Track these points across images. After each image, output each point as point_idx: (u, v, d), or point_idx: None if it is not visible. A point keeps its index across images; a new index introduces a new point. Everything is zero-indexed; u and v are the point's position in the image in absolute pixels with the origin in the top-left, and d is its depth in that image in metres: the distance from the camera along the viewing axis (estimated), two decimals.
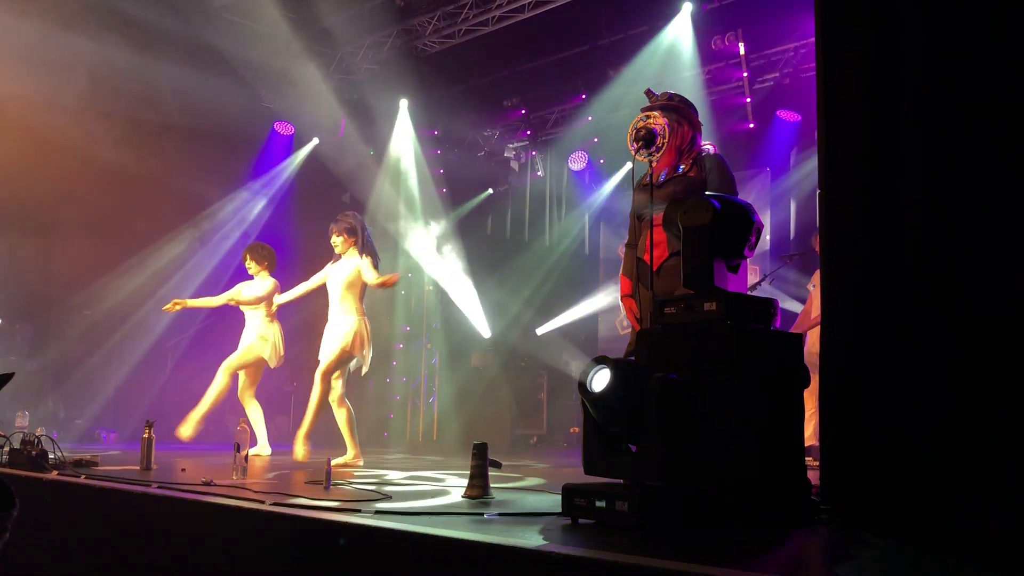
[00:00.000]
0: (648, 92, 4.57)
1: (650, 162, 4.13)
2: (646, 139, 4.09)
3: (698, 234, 3.40)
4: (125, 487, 4.29)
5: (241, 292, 7.24)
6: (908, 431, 3.09)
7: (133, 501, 4.13)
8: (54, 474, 4.83)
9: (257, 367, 7.20)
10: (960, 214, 3.06)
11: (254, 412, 7.19)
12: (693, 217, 3.43)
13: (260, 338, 7.12)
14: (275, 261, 7.31)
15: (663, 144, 4.15)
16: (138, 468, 5.33)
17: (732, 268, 3.53)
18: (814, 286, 7.49)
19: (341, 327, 6.41)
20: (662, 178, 4.38)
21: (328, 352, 6.39)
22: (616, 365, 3.21)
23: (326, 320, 6.58)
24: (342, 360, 6.40)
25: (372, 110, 10.72)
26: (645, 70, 9.21)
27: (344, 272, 6.48)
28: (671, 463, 3.08)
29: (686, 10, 8.59)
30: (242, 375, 7.18)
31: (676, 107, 4.39)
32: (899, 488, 3.10)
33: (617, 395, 3.16)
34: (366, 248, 6.51)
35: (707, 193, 3.72)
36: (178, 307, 7.12)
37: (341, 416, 6.48)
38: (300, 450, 6.37)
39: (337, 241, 6.54)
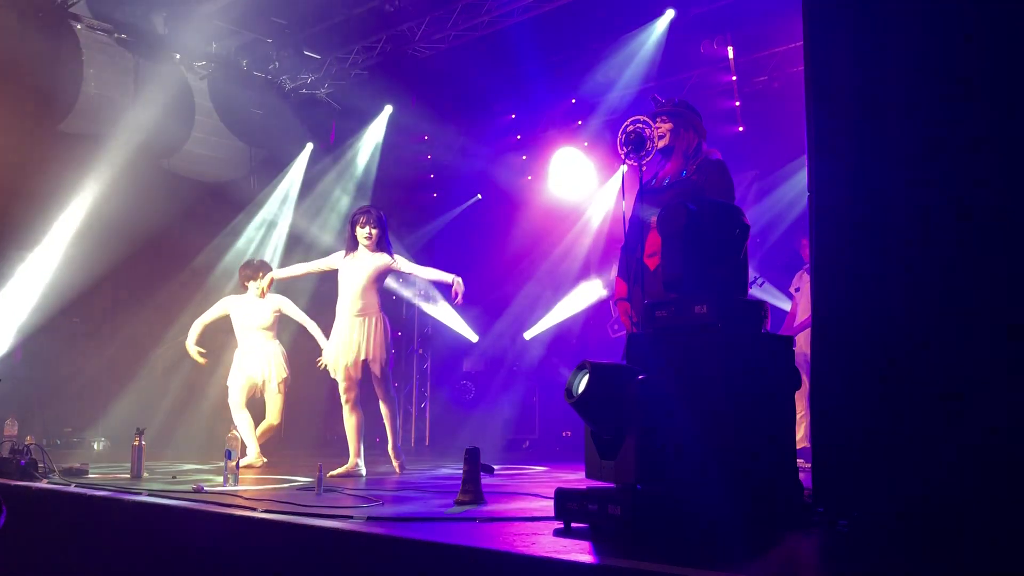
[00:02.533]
0: (654, 98, 4.60)
1: (640, 166, 4.14)
2: (635, 143, 4.10)
3: (673, 239, 3.42)
4: (116, 495, 4.27)
5: (252, 311, 7.07)
6: (900, 431, 3.10)
7: (124, 509, 4.11)
8: (44, 483, 4.80)
9: (268, 391, 7.04)
10: (951, 212, 3.07)
11: (247, 419, 6.98)
12: (669, 223, 3.45)
13: (271, 360, 7.00)
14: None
15: (652, 148, 4.16)
16: (129, 476, 5.31)
17: (726, 271, 3.54)
18: (798, 289, 7.53)
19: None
20: (666, 183, 4.40)
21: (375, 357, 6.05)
22: (595, 369, 3.22)
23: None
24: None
25: (363, 115, 10.72)
26: (635, 74, 9.24)
27: (370, 266, 6.11)
28: (645, 465, 3.08)
29: (668, 16, 8.59)
30: (244, 390, 6.97)
31: (682, 113, 4.43)
32: (892, 489, 3.10)
33: (596, 399, 3.18)
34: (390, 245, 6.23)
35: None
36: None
37: (352, 420, 6.13)
38: (395, 463, 6.16)
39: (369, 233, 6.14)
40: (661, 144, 4.43)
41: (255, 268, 7.09)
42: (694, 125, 4.42)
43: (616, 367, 3.36)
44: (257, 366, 6.97)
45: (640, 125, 4.16)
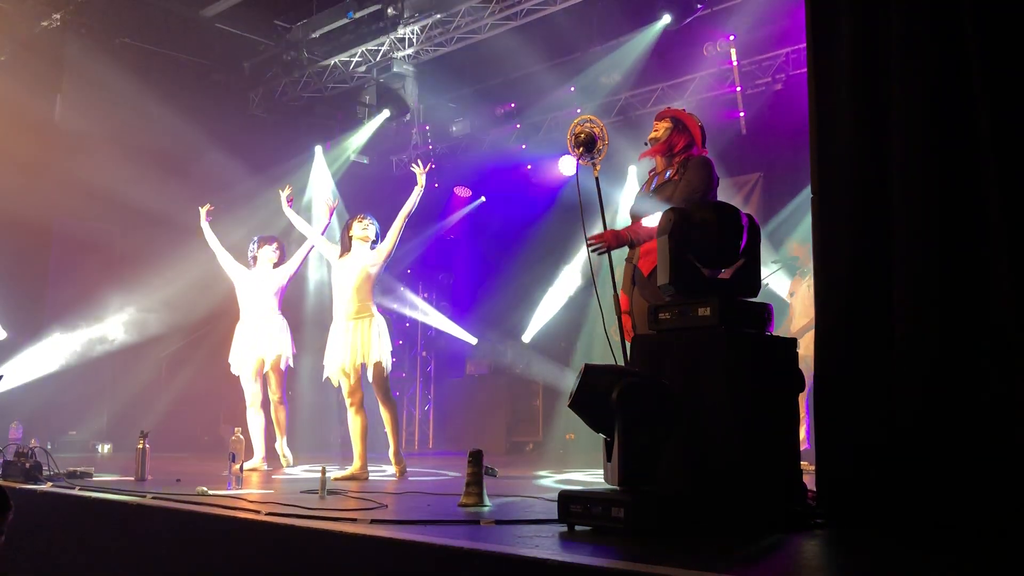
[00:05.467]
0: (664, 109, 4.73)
1: (593, 165, 4.20)
2: (586, 144, 4.17)
3: (662, 243, 3.43)
4: (120, 498, 4.28)
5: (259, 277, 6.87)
6: (904, 433, 3.09)
7: (128, 512, 4.12)
8: (48, 486, 4.81)
9: (273, 367, 6.78)
10: (956, 214, 3.07)
11: (260, 421, 6.83)
12: (660, 227, 3.46)
13: (280, 336, 6.78)
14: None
15: (604, 148, 4.22)
16: (133, 479, 5.32)
17: (728, 272, 3.53)
18: (792, 294, 7.53)
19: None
20: (653, 186, 4.47)
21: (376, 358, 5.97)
22: (586, 371, 3.24)
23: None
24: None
25: (365, 118, 10.74)
26: (637, 76, 9.24)
27: (361, 264, 6.06)
28: (629, 467, 3.08)
29: (665, 19, 8.56)
30: (255, 373, 6.76)
31: (680, 117, 4.50)
32: (895, 490, 3.10)
33: (587, 401, 3.19)
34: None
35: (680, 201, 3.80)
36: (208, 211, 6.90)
37: (357, 423, 6.05)
38: (396, 468, 6.11)
39: (365, 225, 6.14)
40: (650, 138, 4.51)
41: (270, 241, 6.98)
42: (689, 128, 4.49)
43: (607, 369, 3.36)
44: (264, 342, 6.73)
45: (589, 125, 4.21)
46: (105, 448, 8.80)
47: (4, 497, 3.29)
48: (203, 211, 6.99)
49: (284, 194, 6.69)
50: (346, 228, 6.22)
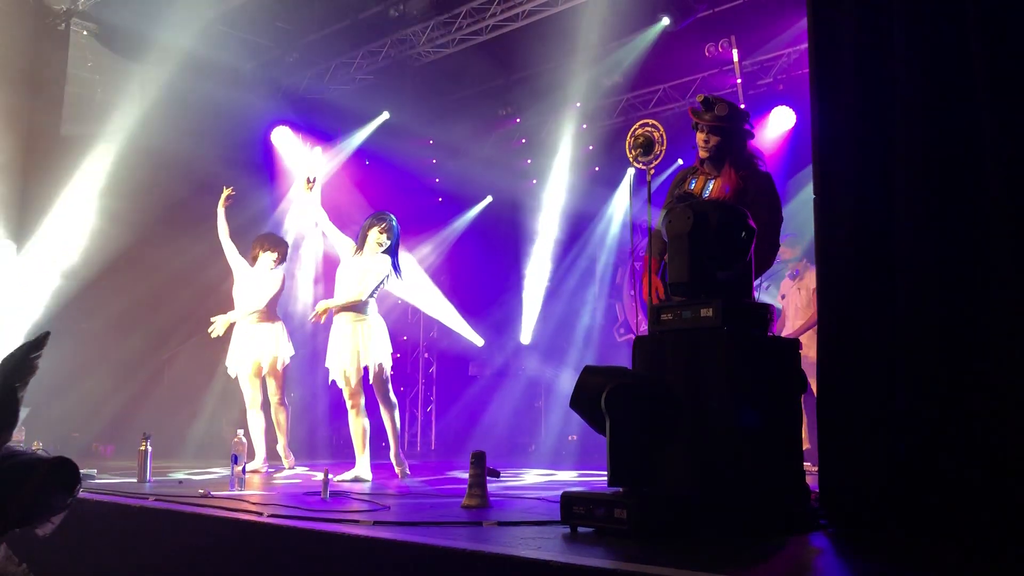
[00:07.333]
0: (704, 98, 4.23)
1: (648, 170, 4.12)
2: (644, 147, 4.09)
3: (679, 242, 3.41)
4: (122, 500, 4.28)
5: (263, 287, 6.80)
6: (906, 434, 3.09)
7: (130, 514, 4.12)
8: None
9: (271, 370, 6.80)
10: (956, 216, 3.07)
11: (260, 423, 6.83)
12: (675, 225, 3.44)
13: (276, 339, 6.78)
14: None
15: (661, 152, 4.13)
16: (135, 480, 5.32)
17: (732, 273, 3.53)
18: (784, 296, 7.50)
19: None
20: (706, 193, 4.14)
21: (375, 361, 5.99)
22: (584, 372, 3.24)
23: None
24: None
25: (367, 120, 10.73)
26: (638, 77, 9.24)
27: (370, 270, 6.05)
28: (619, 469, 3.08)
29: (665, 21, 8.52)
30: (252, 378, 6.76)
31: (725, 127, 4.12)
32: (898, 491, 3.09)
33: (585, 402, 3.20)
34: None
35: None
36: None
37: (359, 426, 6.05)
38: (398, 470, 6.13)
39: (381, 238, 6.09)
40: (705, 154, 4.16)
41: (272, 241, 6.95)
42: (738, 132, 4.14)
43: (605, 370, 3.35)
44: (261, 345, 6.72)
45: (649, 129, 4.14)
46: (108, 450, 8.79)
47: (75, 470, 3.23)
48: (224, 194, 6.92)
49: (308, 178, 6.47)
50: (365, 226, 6.17)
